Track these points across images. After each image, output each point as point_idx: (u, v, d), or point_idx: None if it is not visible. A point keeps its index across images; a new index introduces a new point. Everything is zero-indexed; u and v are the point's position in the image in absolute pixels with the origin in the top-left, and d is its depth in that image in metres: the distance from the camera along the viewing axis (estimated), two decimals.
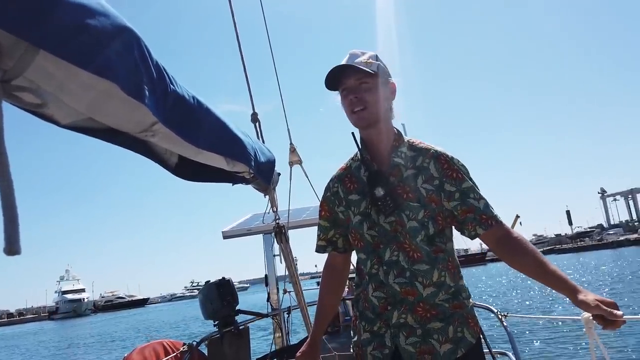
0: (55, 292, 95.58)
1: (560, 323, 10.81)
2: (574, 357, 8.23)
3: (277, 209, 2.99)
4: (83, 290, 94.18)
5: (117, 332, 29.86)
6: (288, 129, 3.51)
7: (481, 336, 1.57)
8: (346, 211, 1.62)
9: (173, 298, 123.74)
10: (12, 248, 0.63)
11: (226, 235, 4.15)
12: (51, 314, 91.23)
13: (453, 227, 1.58)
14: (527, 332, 10.61)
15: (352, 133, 1.62)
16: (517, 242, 1.47)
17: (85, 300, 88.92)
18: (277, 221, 3.00)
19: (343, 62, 1.54)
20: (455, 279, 1.54)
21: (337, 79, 1.55)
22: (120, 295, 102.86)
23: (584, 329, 2.37)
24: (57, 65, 0.80)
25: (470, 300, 1.58)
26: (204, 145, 1.30)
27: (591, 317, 2.45)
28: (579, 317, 2.44)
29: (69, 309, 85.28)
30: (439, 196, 1.50)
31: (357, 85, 1.52)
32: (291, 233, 3.20)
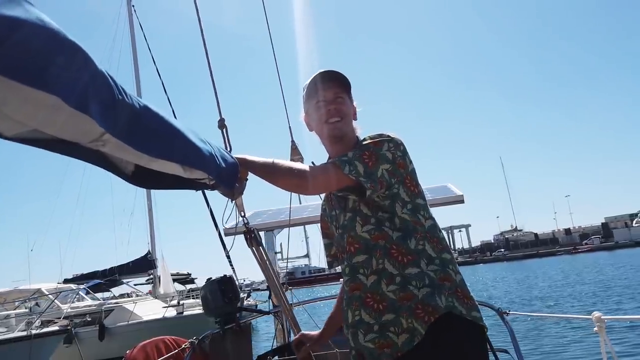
0: None
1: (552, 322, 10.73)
2: (578, 358, 8.03)
3: (245, 213, 3.00)
4: None
5: None
6: (289, 127, 3.52)
7: (435, 326, 1.41)
8: (332, 227, 1.71)
9: None
10: None
11: (227, 233, 4.16)
12: None
13: (401, 209, 1.52)
14: (533, 331, 10.39)
15: (312, 162, 1.67)
16: None
17: None
18: (245, 225, 3.00)
19: (319, 77, 1.61)
20: (401, 267, 1.46)
21: (313, 90, 1.62)
22: None
23: (595, 328, 2.36)
24: None
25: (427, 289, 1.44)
26: (156, 154, 1.31)
27: (602, 316, 2.45)
28: (590, 317, 2.41)
29: None
30: None
31: (334, 98, 1.61)
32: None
